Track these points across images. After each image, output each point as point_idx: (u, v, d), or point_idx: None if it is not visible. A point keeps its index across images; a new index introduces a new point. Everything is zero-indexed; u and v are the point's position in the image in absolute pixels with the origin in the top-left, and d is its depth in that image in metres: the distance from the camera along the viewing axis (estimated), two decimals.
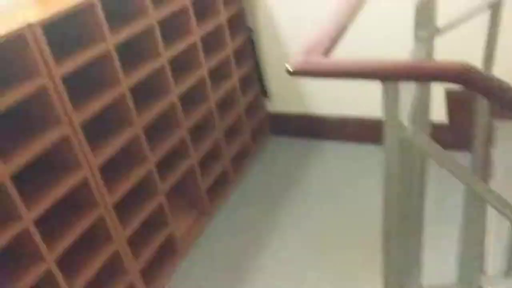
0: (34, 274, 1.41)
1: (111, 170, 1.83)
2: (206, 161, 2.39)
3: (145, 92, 1.97)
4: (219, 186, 2.48)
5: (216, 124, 2.32)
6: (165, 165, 2.10)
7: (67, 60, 1.50)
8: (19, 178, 1.52)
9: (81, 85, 1.73)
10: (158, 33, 1.85)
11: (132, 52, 1.91)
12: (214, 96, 2.28)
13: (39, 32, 1.37)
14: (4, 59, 1.41)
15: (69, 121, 1.50)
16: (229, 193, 2.49)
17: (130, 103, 1.75)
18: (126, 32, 1.70)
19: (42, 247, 1.43)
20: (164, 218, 2.02)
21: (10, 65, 1.41)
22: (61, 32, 1.66)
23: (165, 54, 1.91)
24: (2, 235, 1.32)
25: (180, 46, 2.00)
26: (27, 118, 1.51)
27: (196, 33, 2.10)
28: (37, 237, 1.42)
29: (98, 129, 1.77)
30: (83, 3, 1.51)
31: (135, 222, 1.83)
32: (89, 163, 1.59)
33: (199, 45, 2.13)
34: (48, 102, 1.44)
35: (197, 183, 2.22)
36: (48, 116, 1.47)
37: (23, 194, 1.41)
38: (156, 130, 2.05)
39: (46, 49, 1.40)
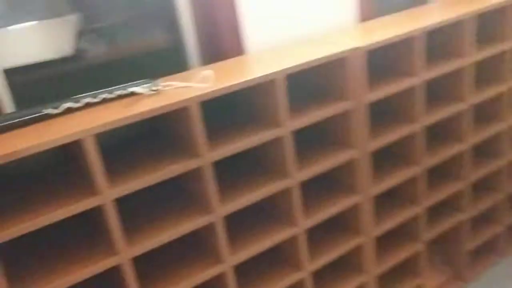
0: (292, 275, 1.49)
1: (381, 203, 1.80)
2: (478, 221, 2.13)
3: (436, 133, 1.87)
4: (485, 253, 2.19)
5: (502, 185, 2.04)
6: (433, 213, 1.95)
7: (377, 88, 1.52)
8: (305, 188, 1.63)
9: (375, 113, 1.74)
10: (470, 75, 1.72)
11: (433, 91, 1.83)
12: (510, 153, 2.01)
13: (362, 57, 1.42)
14: (322, 78, 1.52)
15: (363, 146, 1.52)
16: (495, 264, 2.17)
17: (422, 142, 1.67)
18: (439, 70, 1.63)
19: (306, 256, 1.50)
20: (417, 267, 1.89)
21: (324, 84, 1.51)
22: (374, 61, 1.70)
23: (470, 99, 1.77)
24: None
25: (488, 93, 1.82)
26: (323, 135, 1.60)
27: (510, 81, 1.88)
28: (304, 246, 1.49)
29: (380, 159, 1.76)
30: (407, 35, 1.50)
31: (390, 261, 1.76)
32: (365, 190, 1.58)
33: (509, 96, 1.90)
34: (348, 124, 1.49)
35: (462, 242, 2.00)
36: (344, 137, 1.52)
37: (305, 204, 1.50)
38: (435, 174, 1.93)
39: (364, 74, 1.44)
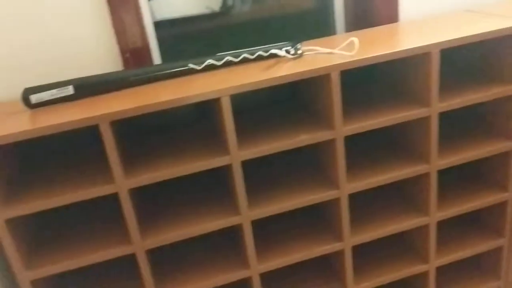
0: None
1: None
2: None
3: None
4: None
5: None
6: None
7: None
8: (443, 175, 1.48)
9: None
10: None
11: None
12: None
13: None
14: (483, 56, 1.32)
15: None
16: None
17: None
18: None
19: (433, 249, 1.37)
20: None
21: (485, 63, 1.32)
22: None
23: None
24: None
25: None
26: (472, 122, 1.42)
27: None
28: (433, 238, 1.36)
29: None
30: None
31: None
32: None
33: None
34: (510, 112, 1.29)
35: None
36: (501, 126, 1.33)
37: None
38: None
39: None
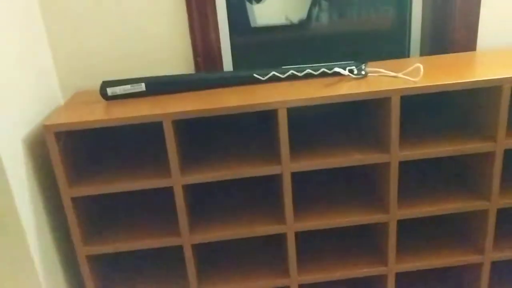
0: None
1: None
2: None
3: None
4: None
5: None
6: None
7: None
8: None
9: None
10: None
11: None
12: None
13: None
14: None
15: None
16: None
17: None
18: None
19: None
20: None
21: None
22: None
23: None
24: None
25: None
26: None
27: None
28: (486, 278, 1.30)
29: None
30: None
31: None
32: None
33: None
34: None
35: None
36: None
37: None
38: None
39: None
